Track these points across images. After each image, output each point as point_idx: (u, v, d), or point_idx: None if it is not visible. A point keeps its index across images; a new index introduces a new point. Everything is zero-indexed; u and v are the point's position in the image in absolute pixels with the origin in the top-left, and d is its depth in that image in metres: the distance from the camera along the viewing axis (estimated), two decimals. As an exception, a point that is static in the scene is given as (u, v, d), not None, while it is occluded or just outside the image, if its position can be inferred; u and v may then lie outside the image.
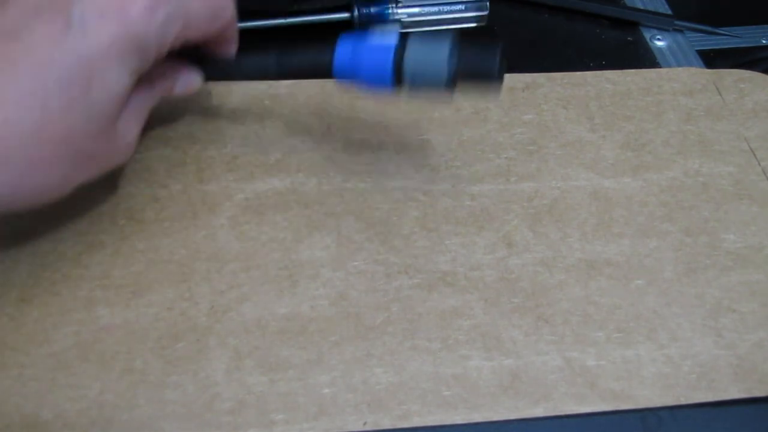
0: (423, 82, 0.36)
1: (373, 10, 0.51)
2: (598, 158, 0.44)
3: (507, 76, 0.48)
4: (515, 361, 0.35)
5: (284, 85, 0.47)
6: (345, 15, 0.51)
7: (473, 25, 0.52)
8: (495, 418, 0.34)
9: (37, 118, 0.29)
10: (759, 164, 0.44)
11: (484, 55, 0.35)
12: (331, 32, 0.51)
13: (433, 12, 0.52)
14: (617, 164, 0.44)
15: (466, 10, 0.52)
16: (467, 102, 0.47)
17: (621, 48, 0.53)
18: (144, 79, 0.34)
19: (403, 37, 0.36)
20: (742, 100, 0.48)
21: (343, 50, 0.37)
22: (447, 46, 0.35)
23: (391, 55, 0.35)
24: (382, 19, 0.51)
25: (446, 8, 0.52)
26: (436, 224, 0.40)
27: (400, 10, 0.51)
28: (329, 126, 0.45)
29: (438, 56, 0.35)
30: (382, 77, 0.36)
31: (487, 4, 0.51)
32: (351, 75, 0.37)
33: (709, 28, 0.54)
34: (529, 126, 0.46)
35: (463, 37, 0.35)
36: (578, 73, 0.49)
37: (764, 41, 0.54)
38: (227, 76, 0.41)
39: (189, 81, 0.38)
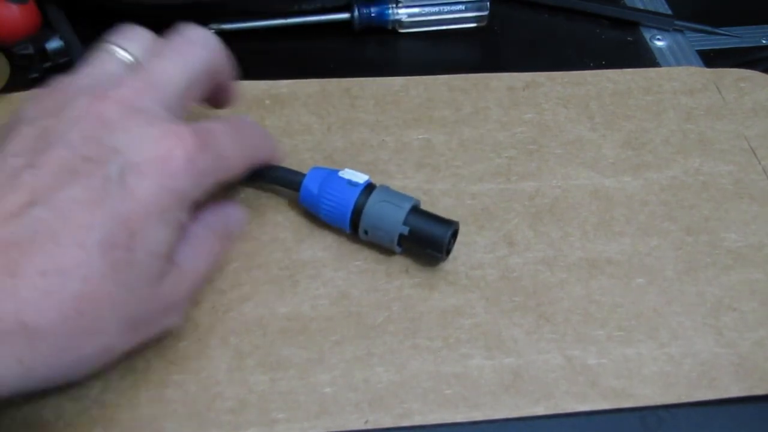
0: (375, 239, 0.38)
1: (373, 10, 0.51)
2: (598, 157, 0.44)
3: (507, 75, 0.48)
4: (516, 360, 0.35)
5: (285, 85, 0.47)
6: (345, 15, 0.51)
7: (473, 25, 0.52)
8: (496, 417, 0.34)
9: (78, 287, 0.27)
10: (759, 163, 0.44)
11: (435, 232, 0.37)
12: (331, 32, 0.52)
13: (433, 12, 0.52)
14: (618, 163, 0.44)
15: (466, 10, 0.52)
16: (467, 101, 0.47)
17: (621, 48, 0.53)
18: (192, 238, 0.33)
19: (367, 189, 0.38)
20: (743, 99, 0.48)
21: (311, 185, 0.38)
22: (402, 214, 0.37)
23: (350, 210, 0.38)
24: (383, 20, 0.51)
25: (446, 8, 0.52)
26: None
27: (400, 10, 0.51)
28: (329, 126, 0.45)
29: (392, 222, 0.37)
30: (340, 224, 0.38)
31: (487, 4, 0.51)
32: (314, 209, 0.39)
33: (709, 28, 0.54)
34: (529, 125, 0.46)
35: (421, 207, 0.38)
36: (578, 73, 0.49)
37: (764, 41, 0.54)
38: None
39: (238, 220, 0.37)
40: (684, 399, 0.34)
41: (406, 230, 0.37)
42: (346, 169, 0.38)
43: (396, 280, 0.38)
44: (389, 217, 0.37)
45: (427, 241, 0.37)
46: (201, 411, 0.33)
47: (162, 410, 0.33)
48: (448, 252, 0.38)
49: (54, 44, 0.46)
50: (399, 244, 0.38)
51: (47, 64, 0.46)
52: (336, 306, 0.37)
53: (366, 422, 0.33)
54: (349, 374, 0.34)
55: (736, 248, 0.40)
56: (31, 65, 0.46)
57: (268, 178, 0.40)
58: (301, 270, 0.38)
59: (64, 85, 0.32)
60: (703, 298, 0.38)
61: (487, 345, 0.36)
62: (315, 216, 0.39)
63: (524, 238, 0.40)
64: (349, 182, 0.38)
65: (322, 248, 0.39)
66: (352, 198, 0.38)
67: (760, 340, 0.36)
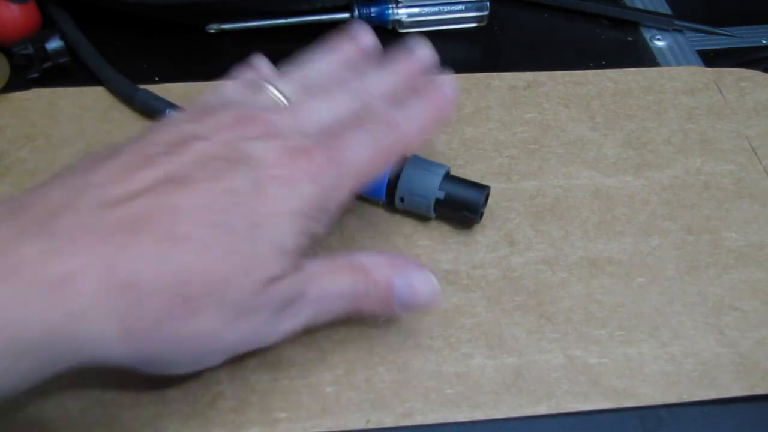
0: (411, 207, 0.39)
1: (373, 10, 0.51)
2: (599, 157, 0.44)
3: (508, 75, 0.48)
4: (518, 360, 0.35)
5: (285, 85, 0.47)
6: (345, 15, 0.51)
7: (473, 25, 0.52)
8: (497, 416, 0.33)
9: (191, 259, 0.27)
10: (760, 162, 0.44)
11: (470, 196, 0.39)
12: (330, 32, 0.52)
13: (433, 12, 0.52)
14: (619, 162, 0.44)
15: (466, 10, 0.52)
16: (468, 101, 0.47)
17: (621, 48, 0.53)
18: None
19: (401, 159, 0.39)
20: (743, 99, 0.48)
21: None
22: (438, 180, 0.39)
23: (386, 179, 0.39)
24: (383, 20, 0.51)
25: (446, 8, 0.52)
26: (438, 223, 0.40)
27: (400, 10, 0.51)
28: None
29: (428, 188, 0.39)
30: (376, 194, 0.40)
31: (488, 4, 0.51)
32: None
33: (709, 28, 0.54)
34: (530, 124, 0.46)
35: (453, 173, 0.40)
36: (580, 72, 0.49)
37: (764, 41, 0.54)
38: None
39: (417, 284, 0.33)
40: (685, 398, 0.34)
41: (442, 195, 0.38)
42: None
43: (397, 280, 0.38)
44: (425, 183, 0.38)
45: (462, 204, 0.38)
46: (203, 410, 0.33)
47: (164, 409, 0.33)
48: (481, 215, 0.39)
49: (54, 44, 0.46)
50: (434, 209, 0.39)
51: (47, 64, 0.46)
52: (337, 305, 0.37)
53: (367, 422, 0.33)
54: (351, 373, 0.34)
55: (738, 248, 0.40)
56: (31, 65, 0.45)
57: None
58: (303, 269, 0.38)
59: (212, 100, 0.34)
60: (705, 298, 0.38)
61: (488, 344, 0.36)
62: None
63: (525, 237, 0.40)
64: None
65: (324, 247, 0.39)
66: (385, 176, 0.39)
67: (762, 340, 0.36)
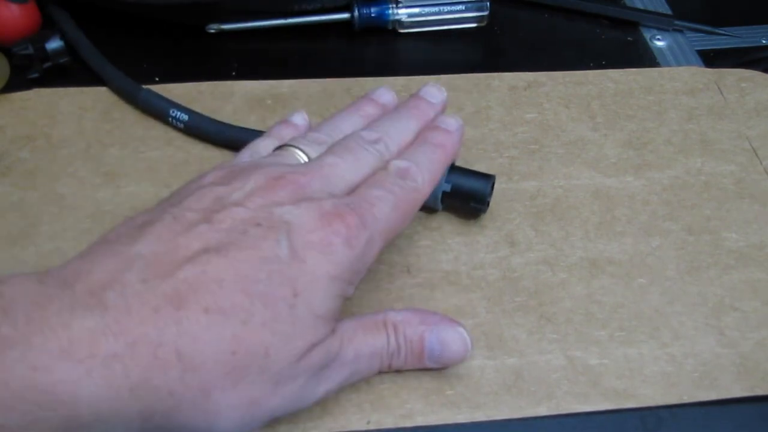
0: None
1: (373, 10, 0.51)
2: (600, 157, 0.44)
3: (508, 75, 0.48)
4: (518, 360, 0.35)
5: (286, 85, 0.47)
6: (345, 15, 0.51)
7: (473, 25, 0.52)
8: (498, 417, 0.33)
9: (237, 329, 0.28)
10: (761, 163, 0.44)
11: (476, 186, 0.39)
12: (331, 32, 0.52)
13: (433, 12, 0.52)
14: (619, 163, 0.44)
15: (466, 10, 0.52)
16: (469, 101, 0.47)
17: (621, 48, 0.53)
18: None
19: None
20: (744, 100, 0.48)
21: None
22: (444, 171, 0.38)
23: None
24: (383, 20, 0.51)
25: (446, 8, 0.52)
26: (439, 223, 0.40)
27: (400, 10, 0.51)
28: (331, 125, 0.45)
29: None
30: None
31: (487, 4, 0.51)
32: None
33: (709, 28, 0.54)
34: (531, 125, 0.46)
35: (457, 164, 0.40)
36: (580, 72, 0.49)
37: (764, 41, 0.54)
38: None
39: (449, 342, 0.34)
40: (686, 399, 0.34)
41: (448, 187, 0.38)
42: None
43: (397, 280, 0.38)
44: None
45: (469, 195, 0.39)
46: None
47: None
48: (487, 204, 0.40)
49: (54, 44, 0.45)
50: (442, 201, 0.39)
51: (47, 64, 0.46)
52: (337, 306, 0.37)
53: (368, 423, 0.33)
54: (351, 374, 0.34)
55: (738, 248, 0.40)
56: (31, 65, 0.45)
57: None
58: (303, 270, 0.38)
59: (243, 162, 0.35)
60: (705, 298, 0.38)
61: (488, 345, 0.36)
62: None
63: (526, 237, 0.40)
64: None
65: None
66: None
67: (762, 340, 0.36)
